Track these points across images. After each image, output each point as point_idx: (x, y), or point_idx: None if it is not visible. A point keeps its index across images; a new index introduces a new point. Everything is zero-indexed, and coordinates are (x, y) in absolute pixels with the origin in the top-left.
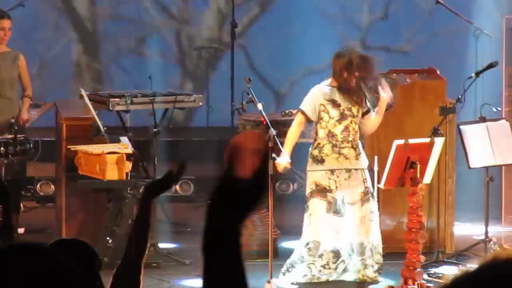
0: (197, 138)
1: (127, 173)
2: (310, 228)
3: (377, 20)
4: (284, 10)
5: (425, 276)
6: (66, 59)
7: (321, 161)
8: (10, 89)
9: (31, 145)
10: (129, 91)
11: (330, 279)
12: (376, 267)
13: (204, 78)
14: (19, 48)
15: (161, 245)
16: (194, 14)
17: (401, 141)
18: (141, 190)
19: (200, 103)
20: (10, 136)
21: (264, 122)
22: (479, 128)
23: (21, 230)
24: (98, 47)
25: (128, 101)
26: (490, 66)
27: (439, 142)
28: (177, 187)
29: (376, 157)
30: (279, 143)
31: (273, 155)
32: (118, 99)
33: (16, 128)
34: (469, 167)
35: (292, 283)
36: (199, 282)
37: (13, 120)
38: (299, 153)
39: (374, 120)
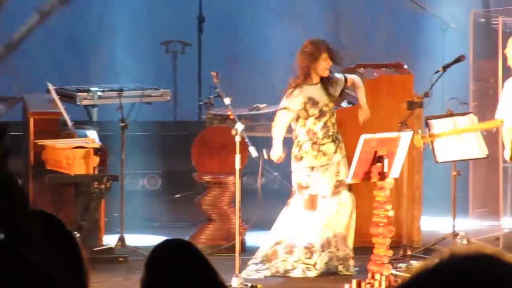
0: (164, 133)
1: (94, 168)
2: (284, 224)
3: None
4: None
5: (393, 270)
6: None
7: (300, 159)
8: None
9: None
10: (96, 86)
11: (302, 275)
12: (346, 261)
13: (171, 72)
14: None
15: (128, 240)
16: (162, 8)
17: (369, 136)
18: (108, 185)
19: (168, 97)
20: None
21: (232, 117)
22: (446, 122)
23: None
24: None
25: (96, 96)
26: (457, 60)
27: (406, 136)
28: (145, 181)
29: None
30: (246, 137)
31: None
32: (85, 94)
33: None
34: (436, 162)
35: (261, 277)
36: None
37: None
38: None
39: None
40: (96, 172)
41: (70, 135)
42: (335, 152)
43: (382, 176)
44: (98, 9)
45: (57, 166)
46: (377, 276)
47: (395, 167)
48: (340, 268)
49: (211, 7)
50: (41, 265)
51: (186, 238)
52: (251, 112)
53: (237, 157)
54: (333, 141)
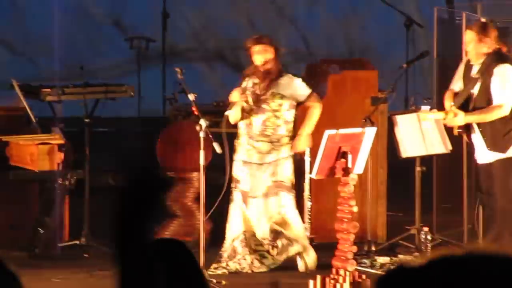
0: (128, 128)
1: (58, 164)
2: (234, 219)
3: None
4: None
5: (357, 266)
6: None
7: (236, 150)
8: None
9: None
10: (60, 82)
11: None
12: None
13: (135, 68)
14: None
15: (93, 236)
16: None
17: (333, 131)
18: (72, 181)
19: (132, 93)
20: None
21: (196, 113)
22: (410, 118)
23: None
24: None
25: (60, 92)
26: (421, 56)
27: (370, 132)
28: (109, 178)
29: (308, 147)
30: (209, 133)
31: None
32: (49, 90)
33: None
34: (400, 157)
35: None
36: None
37: None
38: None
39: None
40: (60, 168)
41: (34, 131)
42: (270, 152)
43: (346, 171)
44: None
45: (21, 162)
46: (342, 272)
47: (359, 163)
48: (298, 261)
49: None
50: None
51: None
52: (216, 108)
53: (202, 153)
54: (270, 141)
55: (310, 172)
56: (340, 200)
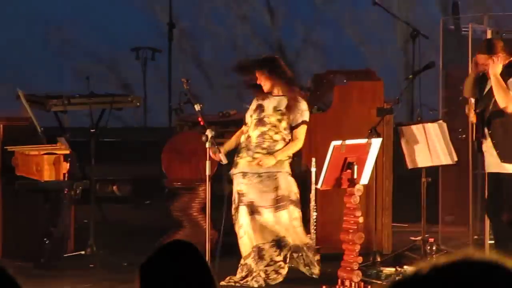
0: (134, 139)
1: (64, 174)
2: (244, 239)
3: None
4: None
5: (363, 277)
6: None
7: (236, 164)
8: None
9: None
10: (66, 92)
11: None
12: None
13: (141, 78)
14: None
15: (98, 247)
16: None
17: (339, 142)
18: (78, 191)
19: (138, 104)
20: None
21: (202, 123)
22: (416, 129)
23: None
24: None
25: (66, 102)
26: (427, 67)
27: (376, 143)
28: (114, 187)
29: (313, 158)
30: (215, 144)
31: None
32: (55, 100)
33: None
34: (407, 168)
35: None
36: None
37: None
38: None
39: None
40: (66, 179)
41: (40, 141)
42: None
43: (352, 182)
44: None
45: (27, 173)
46: (347, 283)
47: (365, 174)
48: (305, 270)
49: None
50: None
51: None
52: (221, 119)
53: (207, 164)
54: (268, 153)
55: (316, 183)
56: (345, 211)
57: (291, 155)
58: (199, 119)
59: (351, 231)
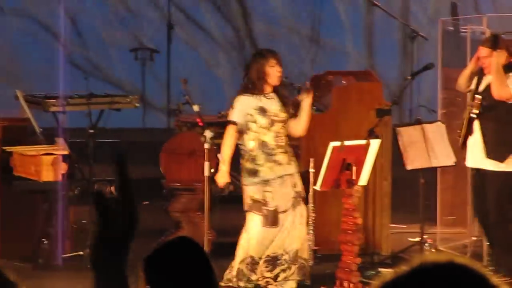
0: (133, 140)
1: (62, 175)
2: (246, 244)
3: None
4: None
5: (361, 278)
6: None
7: (256, 172)
8: None
9: None
10: (65, 92)
11: None
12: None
13: (140, 79)
14: None
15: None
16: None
17: (337, 143)
18: (76, 192)
19: (136, 104)
20: None
21: (201, 124)
22: (414, 130)
23: None
24: None
25: (64, 102)
26: (426, 68)
27: (374, 144)
28: (113, 188)
29: (312, 159)
30: (214, 144)
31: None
32: (54, 100)
33: None
34: (405, 169)
35: None
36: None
37: None
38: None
39: (301, 121)
40: (64, 179)
41: (38, 142)
42: (289, 163)
43: (351, 183)
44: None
45: (25, 173)
46: (345, 284)
47: (364, 175)
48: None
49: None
50: None
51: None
52: (220, 120)
53: (206, 164)
54: (286, 152)
55: (315, 184)
56: (344, 212)
57: None
58: (198, 119)
59: (349, 232)
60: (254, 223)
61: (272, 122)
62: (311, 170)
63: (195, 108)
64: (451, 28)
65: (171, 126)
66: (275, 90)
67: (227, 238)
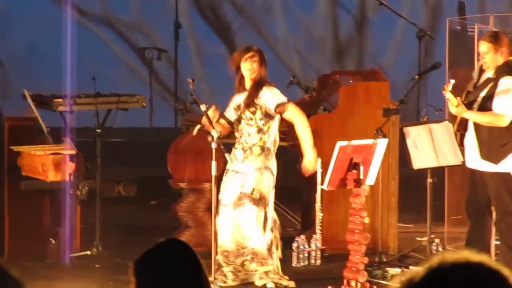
0: (140, 139)
1: (70, 174)
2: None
3: None
4: None
5: (368, 278)
6: None
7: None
8: None
9: None
10: (72, 92)
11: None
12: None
13: (148, 79)
14: None
15: (104, 247)
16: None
17: (344, 143)
18: (84, 191)
19: (144, 104)
20: None
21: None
22: (422, 129)
23: None
24: None
25: (71, 102)
26: (433, 67)
27: (382, 143)
28: (121, 188)
29: (319, 159)
30: (221, 144)
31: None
32: (61, 100)
33: None
34: (413, 169)
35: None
36: None
37: None
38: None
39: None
40: (71, 179)
41: (46, 142)
42: (243, 162)
43: (358, 183)
44: None
45: (33, 173)
46: (353, 283)
47: (371, 174)
48: (257, 280)
49: None
50: None
51: None
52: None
53: (213, 164)
54: (243, 149)
55: (322, 183)
56: (351, 211)
57: None
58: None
59: (356, 231)
60: (227, 216)
61: (239, 119)
62: (319, 169)
63: (202, 107)
64: (458, 28)
65: (179, 126)
66: (257, 86)
67: None
